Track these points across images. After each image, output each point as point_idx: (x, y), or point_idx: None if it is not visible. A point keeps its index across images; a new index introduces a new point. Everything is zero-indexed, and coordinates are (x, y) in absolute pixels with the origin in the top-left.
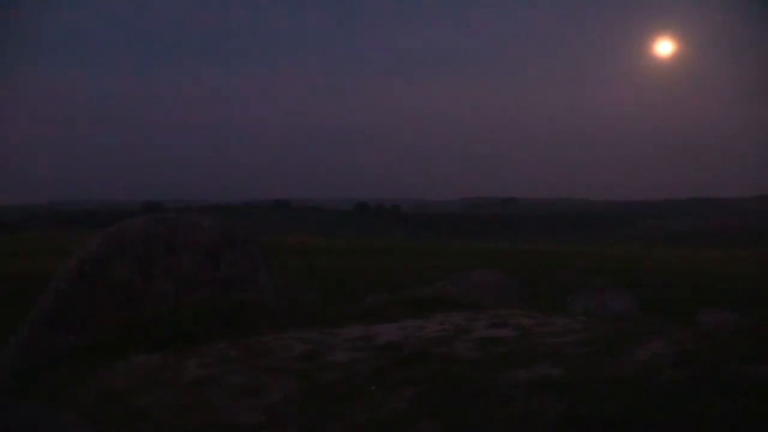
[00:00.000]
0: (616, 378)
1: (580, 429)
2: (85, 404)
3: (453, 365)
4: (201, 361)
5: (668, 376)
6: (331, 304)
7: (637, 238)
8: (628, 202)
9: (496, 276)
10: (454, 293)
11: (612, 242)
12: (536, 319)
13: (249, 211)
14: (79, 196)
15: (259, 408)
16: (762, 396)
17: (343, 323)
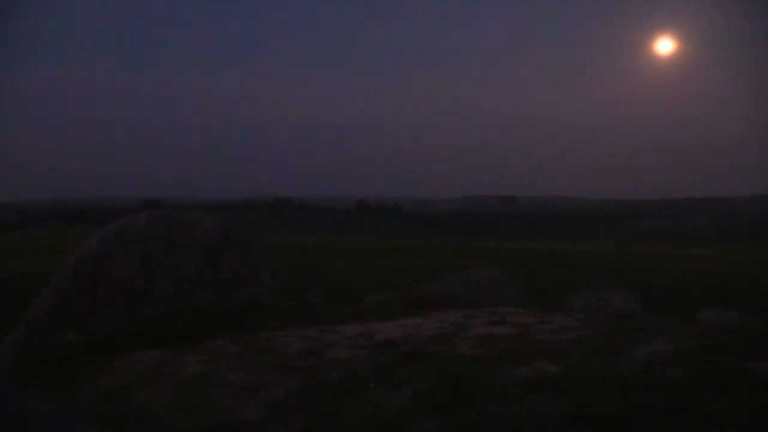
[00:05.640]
0: (617, 376)
1: (580, 427)
2: (85, 401)
3: (452, 363)
4: (201, 358)
5: (669, 374)
6: (331, 303)
7: (637, 236)
8: (627, 201)
9: (496, 274)
10: (453, 291)
11: (612, 240)
12: (536, 317)
13: (249, 209)
14: (80, 193)
15: (260, 405)
16: (763, 394)
17: (342, 321)
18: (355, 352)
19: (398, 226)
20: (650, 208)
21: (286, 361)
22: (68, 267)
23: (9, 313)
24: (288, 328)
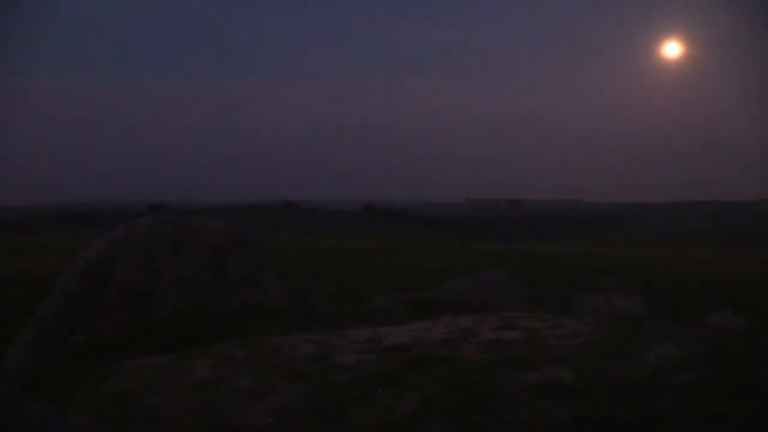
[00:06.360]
0: (626, 380)
1: (590, 431)
2: (92, 405)
3: (461, 368)
4: (209, 362)
5: (677, 378)
6: (338, 306)
7: (643, 239)
8: (633, 204)
9: (503, 277)
10: (461, 295)
11: (618, 244)
12: (544, 321)
13: (255, 212)
14: (86, 196)
15: (268, 410)
16: None
17: (350, 325)
18: (363, 357)
19: (404, 228)
20: (655, 211)
21: (293, 366)
22: (75, 269)
23: (17, 313)
24: (295, 331)
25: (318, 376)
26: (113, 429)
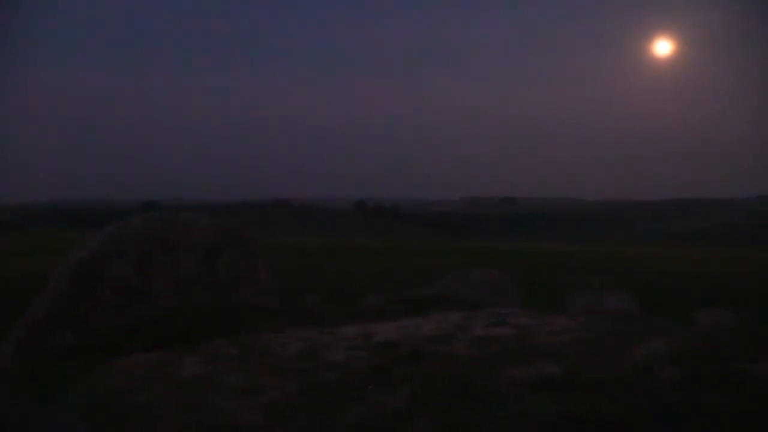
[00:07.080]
0: (615, 377)
1: (578, 428)
2: (81, 403)
3: (450, 364)
4: (199, 360)
5: (667, 374)
6: (330, 304)
7: (636, 237)
8: (626, 202)
9: (495, 275)
10: (452, 292)
11: (610, 242)
12: (535, 318)
13: (247, 210)
14: (78, 195)
15: (258, 407)
16: (760, 394)
17: (342, 322)
18: (353, 354)
19: (397, 226)
20: (648, 209)
21: (284, 363)
22: (67, 268)
23: (8, 313)
24: (286, 329)
25: (307, 373)
26: (103, 427)
